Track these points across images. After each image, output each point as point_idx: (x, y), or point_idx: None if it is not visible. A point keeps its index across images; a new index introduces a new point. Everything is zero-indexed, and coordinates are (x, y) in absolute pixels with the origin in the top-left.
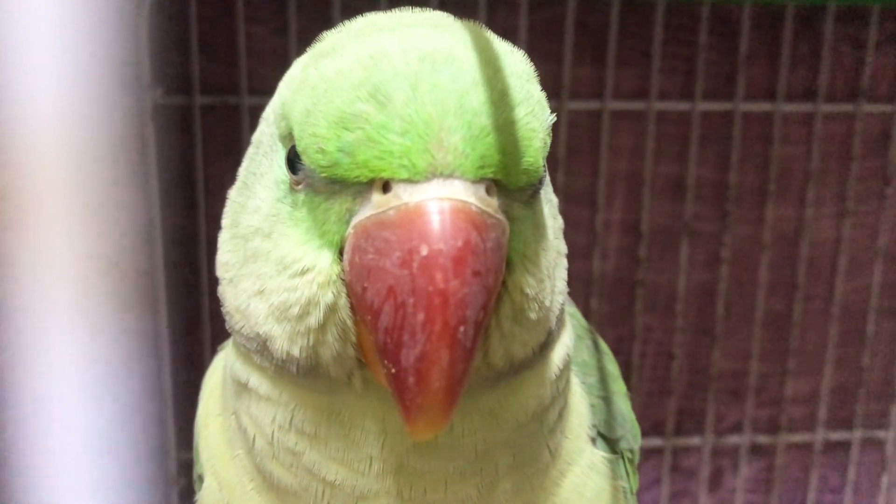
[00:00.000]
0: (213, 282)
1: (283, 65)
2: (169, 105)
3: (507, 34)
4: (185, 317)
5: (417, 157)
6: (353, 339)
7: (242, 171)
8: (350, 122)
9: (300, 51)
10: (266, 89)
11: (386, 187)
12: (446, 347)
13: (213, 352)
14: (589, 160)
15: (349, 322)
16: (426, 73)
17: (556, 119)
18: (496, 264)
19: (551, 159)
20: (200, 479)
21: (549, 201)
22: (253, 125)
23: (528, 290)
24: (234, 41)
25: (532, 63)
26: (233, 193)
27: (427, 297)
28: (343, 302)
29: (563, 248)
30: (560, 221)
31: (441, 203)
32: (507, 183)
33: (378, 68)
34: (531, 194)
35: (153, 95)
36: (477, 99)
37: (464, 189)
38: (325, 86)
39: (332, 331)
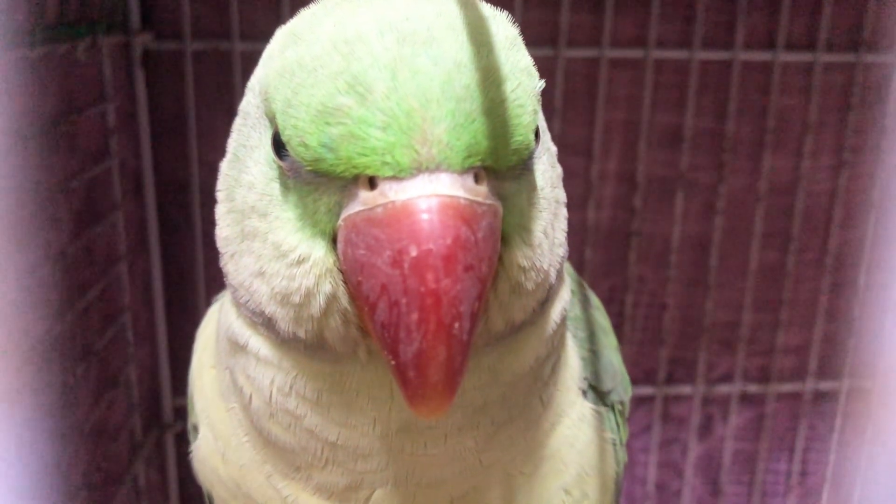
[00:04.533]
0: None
1: (275, 10)
2: (159, 50)
3: None
4: (178, 263)
5: (401, 154)
6: (356, 320)
7: (232, 143)
8: (331, 117)
9: None
10: (258, 34)
11: (372, 183)
12: (442, 345)
13: (208, 298)
14: (585, 109)
15: (350, 308)
16: (406, 57)
17: (552, 66)
18: (489, 252)
19: (547, 108)
20: (195, 428)
21: (546, 150)
22: (245, 71)
23: (524, 263)
24: None
25: (529, 10)
26: (224, 166)
27: (420, 297)
28: (342, 290)
29: (563, 197)
30: (559, 169)
31: (429, 200)
32: (496, 166)
33: (356, 56)
34: (524, 167)
35: (143, 41)
36: (460, 82)
37: (451, 182)
38: (303, 75)
39: (335, 317)
